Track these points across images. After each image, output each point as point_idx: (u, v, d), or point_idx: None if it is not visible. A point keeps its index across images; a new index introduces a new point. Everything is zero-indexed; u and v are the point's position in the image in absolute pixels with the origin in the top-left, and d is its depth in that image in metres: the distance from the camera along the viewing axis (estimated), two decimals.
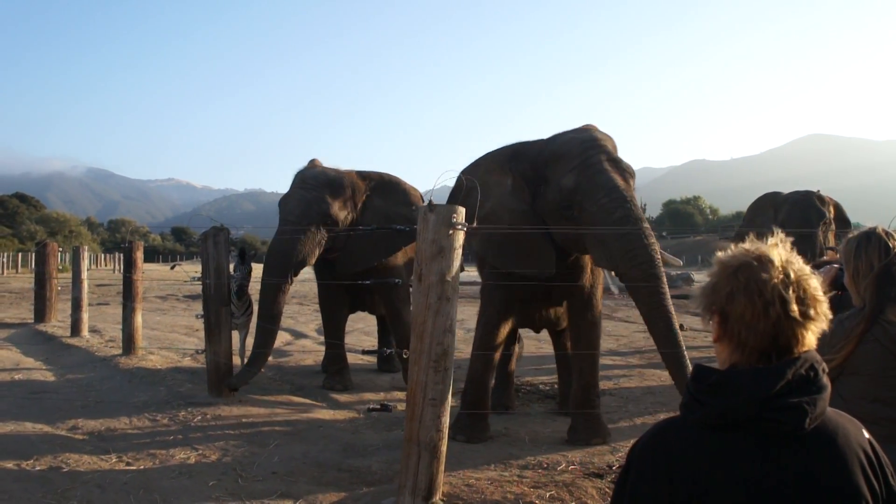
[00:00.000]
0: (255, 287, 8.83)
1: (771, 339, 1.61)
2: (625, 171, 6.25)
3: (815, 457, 1.58)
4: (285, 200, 8.75)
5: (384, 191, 9.15)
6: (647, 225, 6.04)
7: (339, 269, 8.81)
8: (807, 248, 10.51)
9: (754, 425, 1.56)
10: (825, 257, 8.43)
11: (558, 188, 6.22)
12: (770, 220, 11.95)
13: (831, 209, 11.63)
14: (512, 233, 6.41)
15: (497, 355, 6.95)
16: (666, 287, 5.96)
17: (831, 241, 11.40)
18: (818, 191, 11.93)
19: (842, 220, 11.94)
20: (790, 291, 1.60)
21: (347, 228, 8.70)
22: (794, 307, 1.60)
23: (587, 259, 6.72)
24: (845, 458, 1.58)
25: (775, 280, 1.61)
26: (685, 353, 5.77)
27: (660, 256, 6.04)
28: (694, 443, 1.62)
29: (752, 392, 1.56)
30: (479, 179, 6.82)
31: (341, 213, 8.60)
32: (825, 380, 1.61)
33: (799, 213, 11.29)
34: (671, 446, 1.66)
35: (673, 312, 5.89)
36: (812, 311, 1.61)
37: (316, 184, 8.63)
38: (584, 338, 6.84)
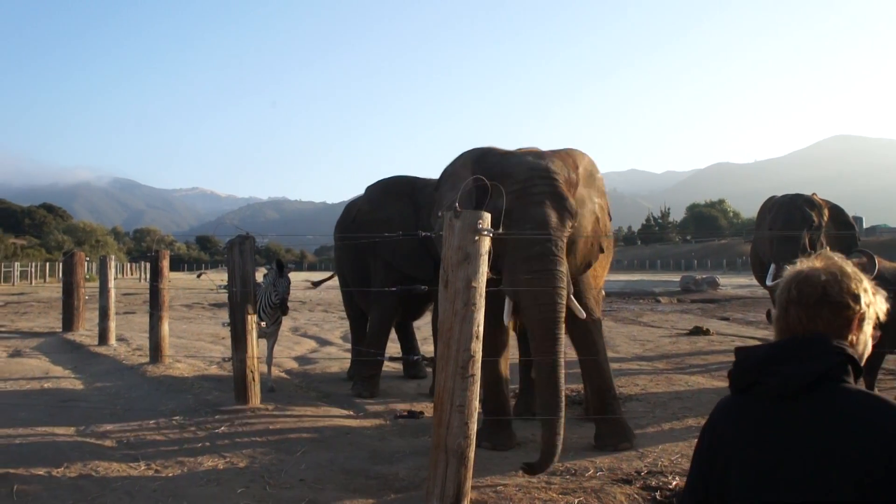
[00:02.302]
0: (294, 295, 8.84)
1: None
2: (565, 210, 6.10)
3: (806, 420, 1.78)
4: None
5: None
6: (562, 269, 5.91)
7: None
8: (789, 250, 10.48)
9: (755, 388, 1.88)
10: (854, 261, 8.34)
11: (494, 205, 6.18)
12: (766, 225, 11.96)
13: (825, 212, 11.55)
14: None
15: (501, 361, 6.90)
16: (561, 334, 5.82)
17: (824, 245, 11.34)
18: (812, 194, 11.87)
19: (842, 223, 11.85)
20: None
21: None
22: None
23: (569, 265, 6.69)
24: (836, 428, 1.73)
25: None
26: (562, 401, 5.63)
27: (563, 303, 5.92)
28: (721, 408, 1.98)
29: (752, 360, 1.90)
30: (454, 170, 6.88)
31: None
32: (834, 360, 1.81)
33: (783, 216, 11.30)
34: (712, 414, 2.02)
35: (561, 362, 5.73)
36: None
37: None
38: (581, 344, 6.79)
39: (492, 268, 6.43)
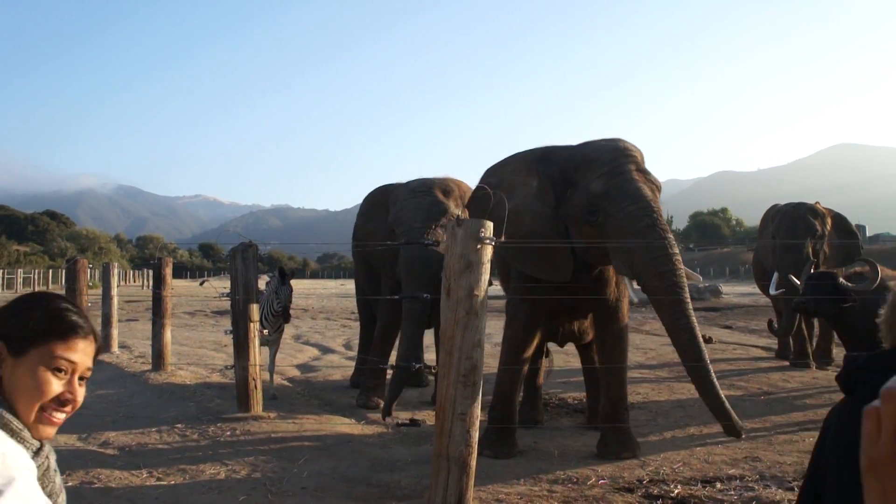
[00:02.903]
0: (297, 303, 8.86)
1: None
2: (653, 184, 6.21)
3: None
4: (399, 215, 8.53)
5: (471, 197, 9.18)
6: (671, 237, 5.99)
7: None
8: (793, 258, 10.50)
9: (856, 391, 1.82)
10: (857, 269, 8.35)
11: (586, 192, 6.17)
12: (769, 233, 12.01)
13: (828, 221, 11.59)
14: (533, 236, 6.39)
15: (524, 370, 6.93)
16: (688, 298, 5.91)
17: (827, 253, 11.38)
18: (816, 202, 11.92)
19: (845, 231, 11.89)
20: None
21: (377, 243, 8.68)
22: None
23: (612, 271, 6.68)
24: None
25: None
26: (709, 365, 5.74)
27: (683, 269, 6.00)
28: (832, 410, 1.92)
29: (859, 362, 1.83)
30: (504, 178, 6.82)
31: (457, 210, 8.51)
32: None
33: (787, 224, 11.34)
34: (825, 418, 1.95)
35: (695, 324, 5.83)
36: None
37: (426, 189, 8.55)
38: (610, 351, 6.79)
39: (592, 260, 6.47)
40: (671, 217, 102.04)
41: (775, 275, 10.54)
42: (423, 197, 8.48)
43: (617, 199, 6.04)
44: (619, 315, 6.81)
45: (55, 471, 1.63)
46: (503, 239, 5.33)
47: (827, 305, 7.60)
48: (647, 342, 15.38)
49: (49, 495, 1.57)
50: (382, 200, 9.41)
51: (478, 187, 7.01)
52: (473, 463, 4.51)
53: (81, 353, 1.66)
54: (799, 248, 10.81)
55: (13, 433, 1.53)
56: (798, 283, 8.37)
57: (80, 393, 1.67)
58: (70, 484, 5.57)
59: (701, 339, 5.86)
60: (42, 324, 1.61)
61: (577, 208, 6.24)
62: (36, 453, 1.58)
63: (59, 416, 1.63)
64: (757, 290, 16.30)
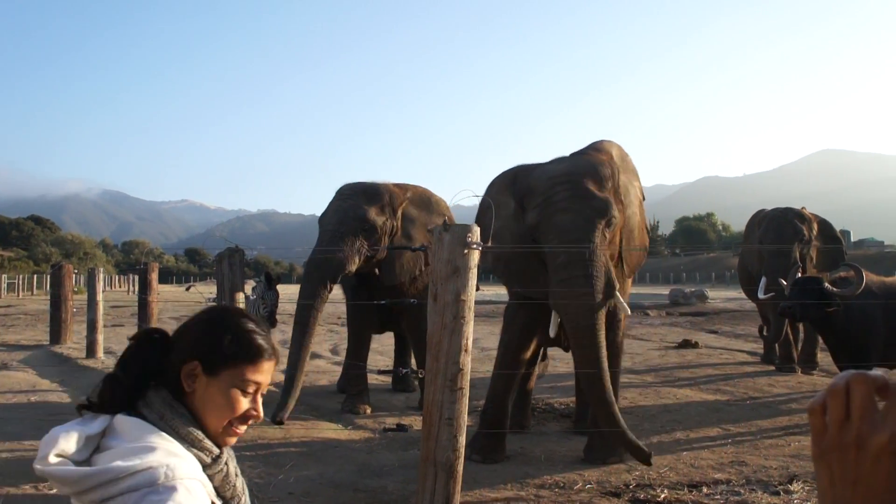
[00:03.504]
0: (283, 308, 8.85)
1: None
2: (591, 210, 6.05)
3: None
4: (323, 215, 8.71)
5: (419, 202, 9.15)
6: (593, 271, 5.87)
7: (383, 281, 8.75)
8: (780, 263, 10.57)
9: None
10: (841, 274, 8.40)
11: (526, 222, 6.24)
12: (756, 238, 12.08)
13: (814, 226, 11.68)
14: (514, 253, 6.44)
15: (519, 374, 6.96)
16: (598, 338, 5.86)
17: (813, 258, 11.46)
18: (802, 208, 12.01)
19: (830, 236, 11.99)
20: None
21: (372, 246, 8.71)
22: None
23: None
24: None
25: None
26: (616, 414, 5.76)
27: (596, 307, 5.88)
28: None
29: None
30: (493, 198, 6.86)
31: (379, 218, 8.50)
32: None
33: (774, 229, 11.42)
34: None
35: (604, 367, 5.82)
36: None
37: (351, 193, 8.62)
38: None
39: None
40: (657, 222, 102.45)
41: (763, 279, 10.59)
42: (345, 200, 8.56)
43: (545, 231, 6.08)
44: (616, 322, 6.81)
45: (236, 475, 1.73)
46: (489, 244, 5.35)
47: (812, 310, 7.64)
48: (634, 347, 15.40)
49: (230, 498, 1.69)
50: None
51: (483, 198, 7.06)
52: (460, 468, 4.51)
53: (266, 374, 1.77)
54: (786, 252, 10.87)
55: (194, 442, 1.64)
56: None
57: (261, 407, 1.79)
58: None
59: (608, 387, 5.83)
60: (234, 347, 1.70)
61: (527, 236, 6.32)
62: (215, 460, 1.67)
63: (242, 429, 1.75)
64: (743, 294, 16.37)
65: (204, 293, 9.90)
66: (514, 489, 5.65)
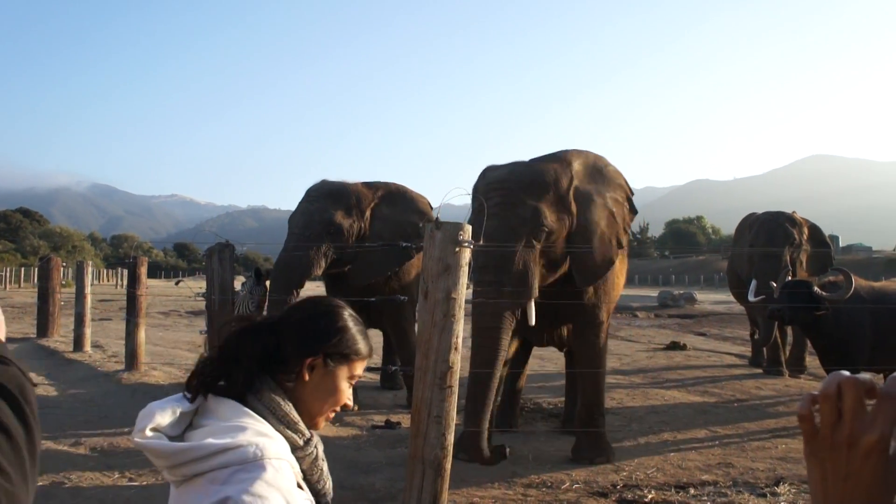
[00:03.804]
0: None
1: None
2: (516, 218, 6.10)
3: None
4: (291, 216, 8.75)
5: (392, 199, 9.11)
6: (501, 279, 5.93)
7: (351, 281, 8.75)
8: (771, 266, 10.61)
9: None
10: (830, 278, 8.43)
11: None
12: (746, 241, 12.12)
13: (805, 230, 11.75)
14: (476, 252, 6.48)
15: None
16: (497, 344, 5.92)
17: (803, 262, 11.51)
18: (793, 212, 12.07)
19: (819, 241, 12.07)
20: None
21: (355, 245, 8.69)
22: None
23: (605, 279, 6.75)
24: None
25: None
26: (483, 414, 5.77)
27: (501, 314, 5.93)
28: None
29: None
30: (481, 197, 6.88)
31: (346, 221, 8.53)
32: None
33: (765, 233, 11.48)
34: None
35: (494, 373, 5.85)
36: None
37: (318, 195, 8.63)
38: (586, 358, 6.82)
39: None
40: (647, 224, 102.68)
41: (753, 282, 10.63)
42: (312, 203, 8.58)
43: (475, 235, 6.15)
44: (596, 322, 6.80)
45: (322, 459, 1.79)
46: (482, 243, 5.34)
47: (801, 313, 7.66)
48: (622, 348, 15.44)
49: (316, 482, 1.75)
50: None
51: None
52: (448, 466, 4.50)
53: (363, 368, 1.92)
54: (777, 255, 10.92)
55: (290, 424, 1.72)
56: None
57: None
58: (40, 484, 5.50)
59: (491, 389, 5.86)
60: (354, 346, 1.85)
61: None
62: (307, 442, 1.75)
63: (332, 415, 1.88)
64: (731, 297, 16.41)
65: (193, 288, 9.86)
66: (502, 488, 5.65)
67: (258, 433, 1.61)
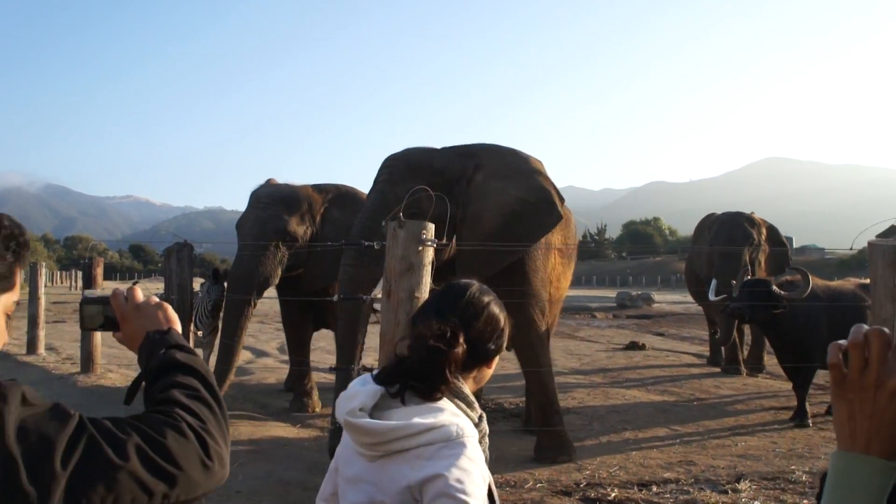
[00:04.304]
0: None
1: None
2: (387, 196, 6.24)
3: None
4: (241, 222, 8.66)
5: (342, 202, 9.01)
6: (371, 246, 5.75)
7: (305, 286, 8.70)
8: (731, 265, 10.75)
9: None
10: (787, 278, 8.54)
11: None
12: (706, 241, 12.27)
13: (763, 230, 11.93)
14: None
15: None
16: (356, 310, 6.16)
17: (762, 262, 11.67)
18: (751, 213, 12.26)
19: (776, 241, 12.26)
20: None
21: (308, 245, 8.62)
22: None
23: (521, 277, 6.69)
24: None
25: None
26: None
27: (354, 278, 6.10)
28: None
29: None
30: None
31: (299, 228, 8.47)
32: None
33: (725, 232, 11.64)
34: None
35: (351, 326, 6.20)
36: None
37: (270, 201, 8.50)
38: (524, 358, 6.80)
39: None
40: (604, 226, 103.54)
41: (714, 281, 10.75)
42: (264, 210, 8.48)
43: None
44: (526, 324, 6.63)
45: (487, 436, 1.94)
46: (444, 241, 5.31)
47: (760, 312, 7.77)
48: (581, 348, 15.53)
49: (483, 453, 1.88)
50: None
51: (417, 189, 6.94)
52: None
53: None
54: (737, 255, 11.05)
55: (470, 404, 1.88)
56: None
57: None
58: None
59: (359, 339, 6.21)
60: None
61: None
62: (480, 419, 1.91)
63: None
64: (689, 297, 16.58)
65: (151, 289, 9.71)
66: None
67: (454, 413, 1.80)
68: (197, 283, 8.90)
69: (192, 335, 8.13)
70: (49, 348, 13.33)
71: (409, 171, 6.29)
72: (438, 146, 6.92)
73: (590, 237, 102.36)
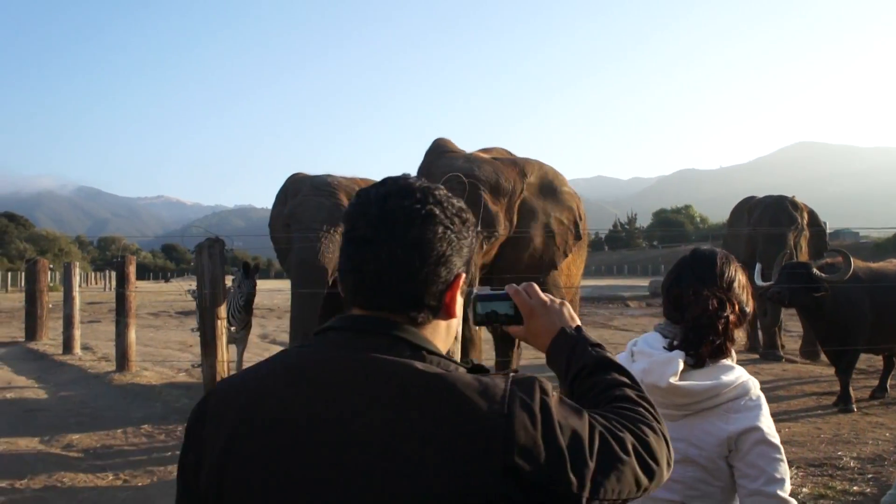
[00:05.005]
0: (261, 301, 8.73)
1: None
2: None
3: None
4: (301, 207, 8.41)
5: None
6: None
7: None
8: (776, 249, 10.57)
9: None
10: (828, 260, 8.38)
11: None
12: (745, 224, 12.06)
13: (805, 215, 11.75)
14: None
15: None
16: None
17: (804, 246, 11.47)
18: (793, 196, 12.05)
19: (815, 225, 12.06)
20: None
21: None
22: None
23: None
24: None
25: None
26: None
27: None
28: None
29: None
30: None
31: None
32: None
33: (770, 216, 11.45)
34: None
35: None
36: None
37: (330, 189, 8.43)
38: (502, 350, 7.25)
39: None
40: (634, 215, 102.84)
41: (758, 265, 10.58)
42: (327, 198, 8.34)
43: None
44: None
45: None
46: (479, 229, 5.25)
47: (801, 295, 7.61)
48: (616, 337, 15.38)
49: None
50: (286, 187, 9.30)
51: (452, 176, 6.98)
52: None
53: None
54: (783, 238, 10.90)
55: (734, 360, 2.10)
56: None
57: None
58: (32, 487, 5.38)
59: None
60: None
61: None
62: None
63: None
64: None
65: (183, 286, 9.73)
66: None
67: (743, 370, 2.04)
68: (229, 279, 8.90)
69: (226, 330, 8.11)
70: (85, 347, 13.41)
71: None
72: (470, 140, 7.12)
73: (620, 226, 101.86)
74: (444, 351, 1.22)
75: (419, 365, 1.14)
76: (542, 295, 1.52)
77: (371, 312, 1.21)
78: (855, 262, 7.89)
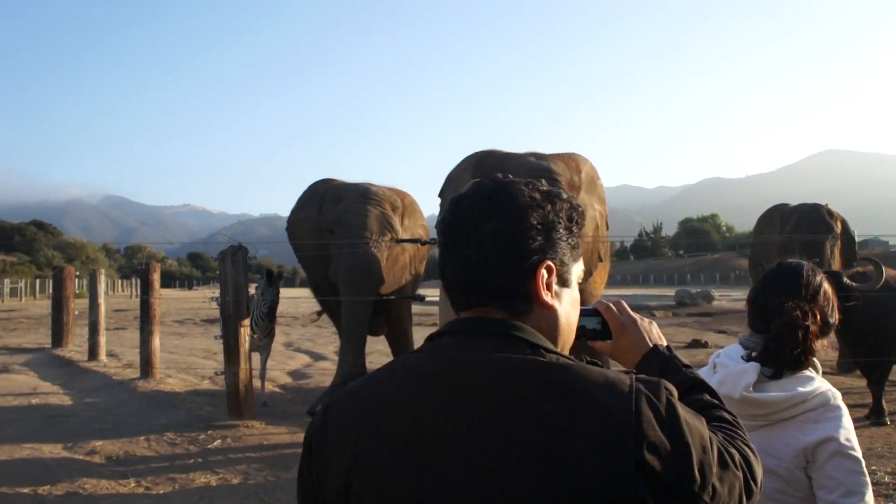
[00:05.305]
0: (284, 310, 8.72)
1: None
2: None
3: None
4: (349, 214, 8.42)
5: (411, 210, 9.16)
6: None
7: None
8: (813, 257, 10.43)
9: None
10: (858, 269, 8.24)
11: None
12: (776, 232, 11.90)
13: (838, 223, 11.60)
14: None
15: None
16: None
17: (837, 255, 11.32)
18: (826, 205, 11.91)
19: (847, 235, 11.91)
20: None
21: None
22: None
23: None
24: None
25: None
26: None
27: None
28: None
29: None
30: (455, 174, 6.93)
31: (399, 229, 8.56)
32: None
33: (808, 224, 11.30)
34: None
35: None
36: None
37: (378, 199, 8.53)
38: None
39: None
40: (660, 224, 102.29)
41: None
42: (375, 206, 8.44)
43: None
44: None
45: None
46: None
47: None
48: None
49: None
50: (320, 192, 9.30)
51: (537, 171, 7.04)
52: None
53: None
54: (820, 245, 10.77)
55: (819, 371, 2.12)
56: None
57: None
58: (54, 494, 5.37)
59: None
60: None
61: None
62: None
63: None
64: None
65: (208, 293, 9.75)
66: None
67: (821, 380, 2.05)
68: (252, 287, 8.90)
69: (249, 338, 8.09)
70: (110, 354, 13.46)
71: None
72: (494, 146, 7.09)
73: (645, 235, 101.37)
74: (557, 348, 1.21)
75: (543, 360, 1.13)
76: (632, 312, 1.54)
77: (481, 314, 1.20)
78: (886, 271, 7.75)
